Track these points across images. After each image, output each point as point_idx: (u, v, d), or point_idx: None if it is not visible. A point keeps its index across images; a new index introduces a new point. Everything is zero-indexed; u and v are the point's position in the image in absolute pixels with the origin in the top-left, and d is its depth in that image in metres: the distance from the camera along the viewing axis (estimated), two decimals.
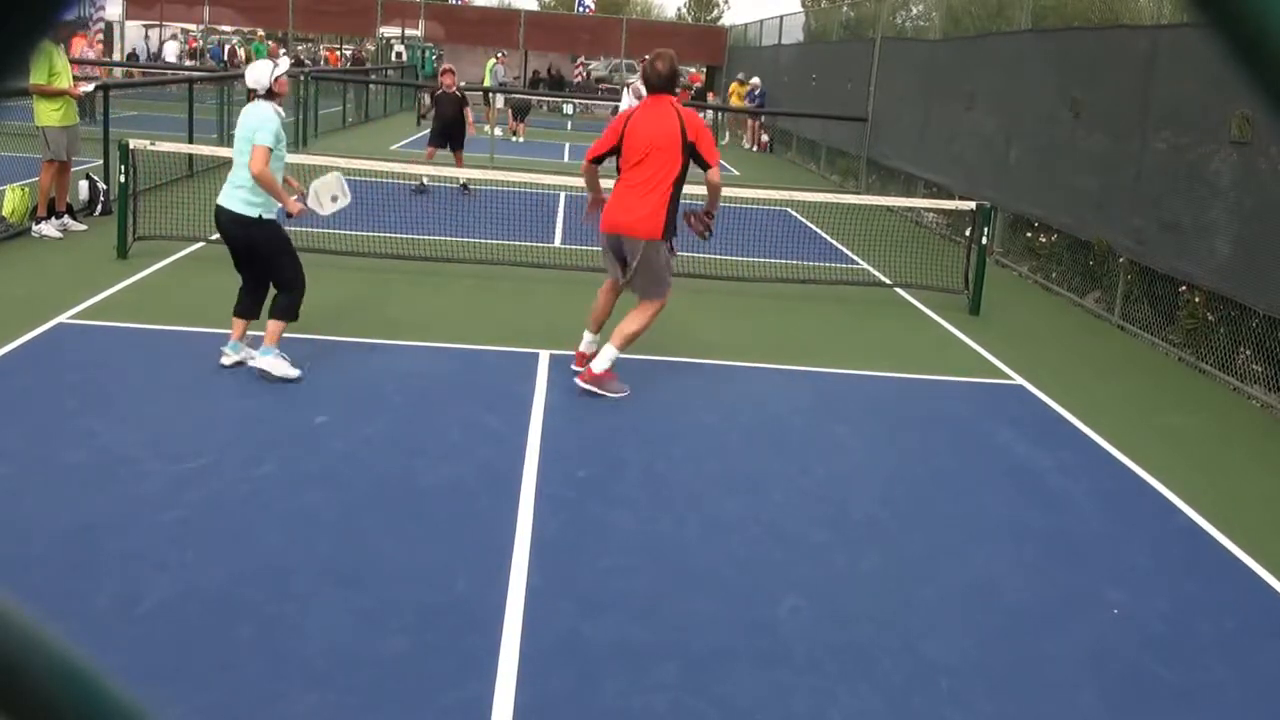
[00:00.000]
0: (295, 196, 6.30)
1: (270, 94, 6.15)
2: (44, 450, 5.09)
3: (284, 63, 6.36)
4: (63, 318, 7.19)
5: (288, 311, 6.17)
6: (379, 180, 13.05)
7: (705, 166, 6.42)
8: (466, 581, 4.16)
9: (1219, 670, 4.01)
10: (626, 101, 13.33)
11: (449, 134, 13.98)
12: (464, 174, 12.17)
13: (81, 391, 5.92)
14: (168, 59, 33.51)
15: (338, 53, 44.96)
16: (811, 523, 4.99)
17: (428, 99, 14.56)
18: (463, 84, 15.42)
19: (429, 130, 14.50)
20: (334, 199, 6.57)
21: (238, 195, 6.03)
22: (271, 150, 5.97)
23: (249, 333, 6.40)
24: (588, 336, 6.79)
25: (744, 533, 4.82)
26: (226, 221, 6.11)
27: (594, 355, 6.53)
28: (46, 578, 3.96)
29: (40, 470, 4.87)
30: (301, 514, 4.63)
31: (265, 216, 6.06)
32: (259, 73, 6.19)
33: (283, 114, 6.22)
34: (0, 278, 8.26)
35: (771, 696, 3.58)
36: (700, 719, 3.46)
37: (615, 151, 6.41)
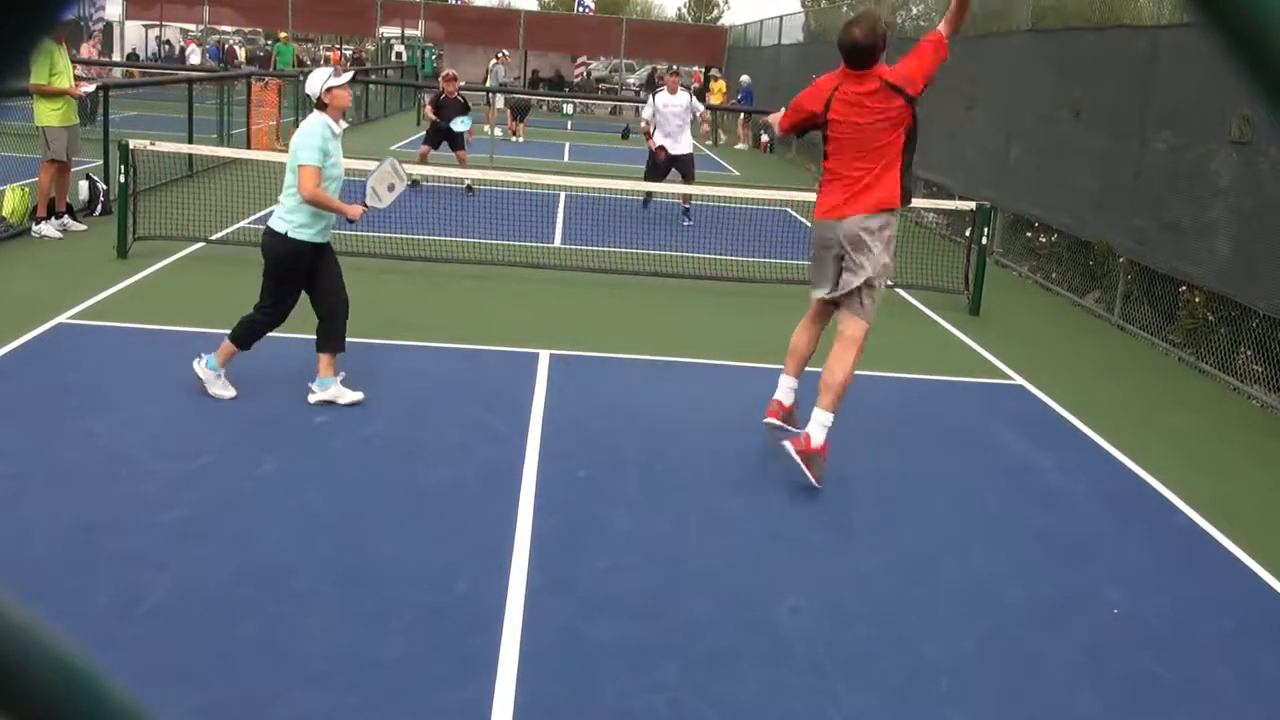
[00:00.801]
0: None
1: (321, 105, 5.79)
2: (44, 450, 5.09)
3: (345, 75, 6.00)
4: (63, 318, 7.19)
5: (249, 337, 5.88)
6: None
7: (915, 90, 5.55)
8: (466, 581, 4.16)
9: (1219, 670, 4.01)
10: (650, 110, 13.02)
11: (447, 135, 13.78)
12: (467, 174, 12.16)
13: (81, 391, 5.92)
14: (193, 62, 33.45)
15: (339, 53, 44.94)
16: (811, 523, 4.99)
17: (430, 109, 14.06)
18: (463, 84, 15.40)
19: (428, 128, 14.37)
20: (391, 188, 6.21)
21: (278, 210, 5.80)
22: (320, 169, 5.66)
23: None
24: (787, 382, 5.72)
25: (744, 533, 4.82)
26: (265, 243, 5.82)
27: (794, 407, 5.66)
28: (46, 578, 3.96)
29: (40, 470, 4.87)
30: (302, 514, 4.63)
31: (292, 236, 5.71)
32: (313, 80, 5.86)
33: (336, 128, 5.85)
34: (0, 278, 8.26)
35: (771, 696, 3.58)
36: (700, 719, 3.46)
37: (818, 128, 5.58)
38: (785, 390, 5.73)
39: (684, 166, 12.81)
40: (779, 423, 5.65)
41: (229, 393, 5.86)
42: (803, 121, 5.76)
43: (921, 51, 5.60)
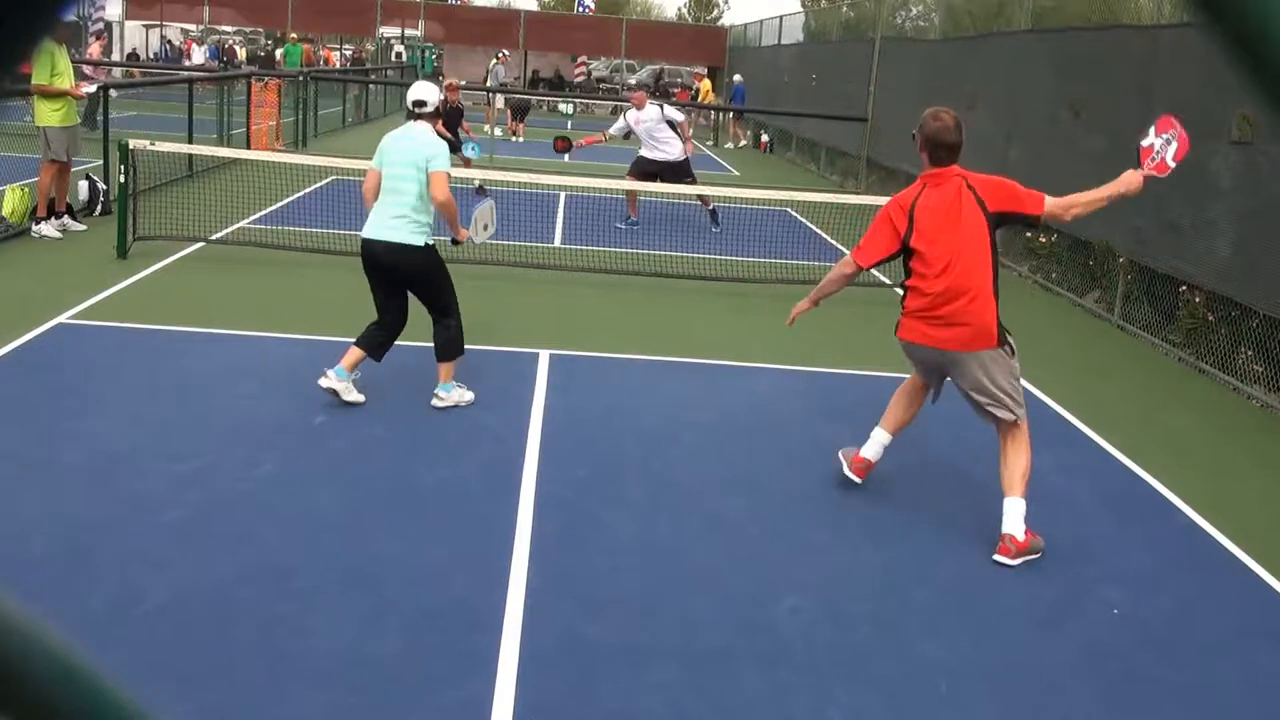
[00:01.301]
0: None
1: (436, 114, 5.91)
2: (44, 450, 5.09)
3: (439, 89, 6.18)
4: (63, 318, 7.19)
5: (454, 346, 5.97)
6: None
7: (1032, 221, 5.09)
8: (466, 581, 4.16)
9: (1219, 670, 4.01)
10: (621, 124, 12.47)
11: (450, 147, 13.55)
12: (475, 175, 12.00)
13: (81, 391, 5.92)
14: (198, 61, 33.42)
15: (334, 53, 44.94)
16: (811, 523, 4.99)
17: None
18: (463, 83, 15.38)
19: None
20: (485, 228, 6.43)
21: (401, 225, 5.67)
22: (449, 175, 5.78)
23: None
24: (881, 437, 5.28)
25: (744, 533, 4.82)
26: (386, 254, 5.70)
27: (876, 463, 5.27)
28: (46, 578, 3.96)
29: (40, 470, 4.87)
30: (301, 514, 4.63)
31: (429, 243, 5.76)
32: (428, 91, 5.90)
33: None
34: (0, 278, 8.26)
35: (771, 696, 3.58)
36: (700, 719, 3.46)
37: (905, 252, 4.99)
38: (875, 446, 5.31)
39: (672, 174, 12.14)
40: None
41: (471, 394, 6.11)
42: None
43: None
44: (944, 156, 4.87)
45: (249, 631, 3.72)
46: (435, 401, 5.94)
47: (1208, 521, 5.32)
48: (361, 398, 5.88)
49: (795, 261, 10.76)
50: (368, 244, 5.76)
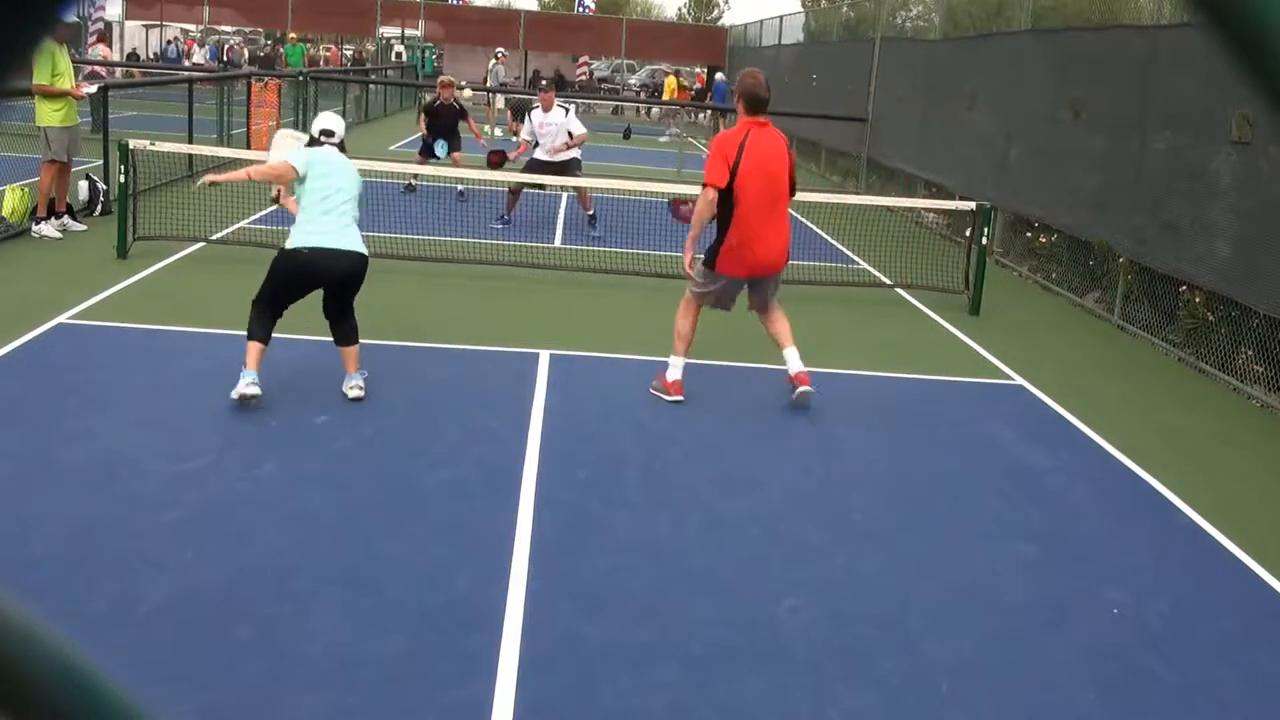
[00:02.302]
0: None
1: (341, 147, 6.39)
2: (44, 450, 5.09)
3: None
4: (63, 318, 7.19)
5: (356, 331, 6.13)
6: (378, 180, 13.05)
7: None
8: (466, 581, 4.16)
9: (1219, 670, 4.01)
10: (529, 129, 11.94)
11: (452, 135, 13.08)
12: (462, 174, 11.92)
13: (81, 391, 5.92)
14: (198, 60, 33.41)
15: (337, 52, 44.93)
16: (811, 523, 4.99)
17: (423, 122, 13.24)
18: (463, 83, 15.34)
19: (423, 139, 13.36)
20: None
21: (354, 235, 5.97)
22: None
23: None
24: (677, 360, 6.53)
25: (744, 533, 4.82)
26: (349, 263, 5.91)
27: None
28: (46, 578, 3.96)
29: (40, 470, 4.87)
30: (301, 514, 4.63)
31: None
32: (339, 123, 6.50)
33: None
34: (0, 278, 8.26)
35: (771, 696, 3.58)
36: (700, 719, 3.46)
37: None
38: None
39: (568, 171, 11.85)
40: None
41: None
42: None
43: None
44: (759, 108, 6.12)
45: (249, 632, 3.71)
46: (356, 392, 5.95)
47: (1208, 521, 5.31)
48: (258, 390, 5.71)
49: (795, 262, 10.74)
50: (324, 253, 5.81)
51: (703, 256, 6.39)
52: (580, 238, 11.62)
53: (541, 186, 12.27)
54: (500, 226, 11.80)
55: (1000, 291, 10.19)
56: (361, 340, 6.10)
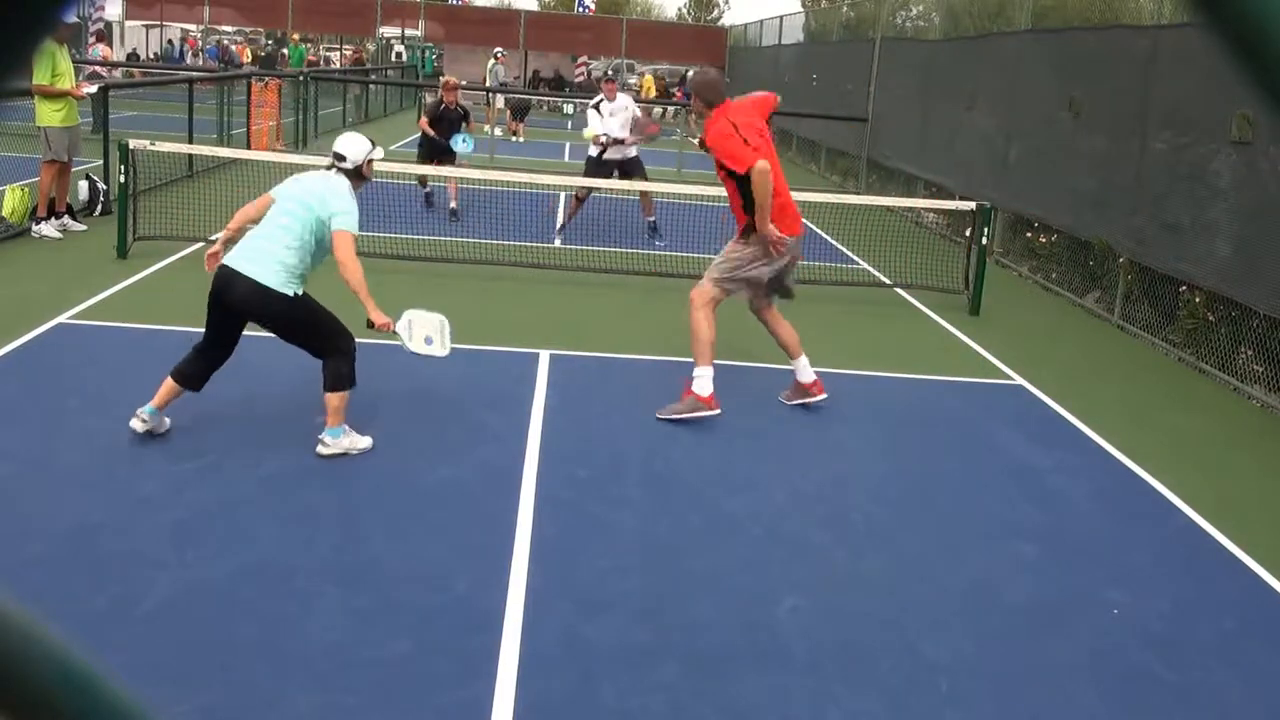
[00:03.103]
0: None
1: (358, 175, 5.36)
2: (44, 450, 5.09)
3: (379, 151, 5.50)
4: (63, 318, 7.20)
5: (343, 378, 5.20)
6: (378, 180, 13.04)
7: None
8: (466, 581, 4.16)
9: (1219, 670, 4.01)
10: (597, 123, 11.61)
11: (442, 153, 12.15)
12: (465, 174, 11.86)
13: (81, 391, 5.92)
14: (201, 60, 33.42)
15: (335, 52, 44.96)
16: (811, 523, 4.99)
17: (425, 122, 12.51)
18: (463, 83, 15.34)
19: (421, 141, 12.67)
20: (428, 341, 5.57)
21: (266, 261, 5.05)
22: (355, 238, 5.16)
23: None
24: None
25: (744, 533, 4.82)
26: (246, 291, 5.01)
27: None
28: (46, 578, 3.96)
29: (40, 470, 4.87)
30: (302, 514, 4.63)
31: (299, 293, 5.14)
32: (355, 146, 5.37)
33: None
34: (0, 278, 8.27)
35: (771, 697, 3.58)
36: (700, 719, 3.46)
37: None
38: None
39: (633, 172, 11.70)
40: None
41: (368, 439, 5.36)
42: None
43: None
44: (718, 99, 6.34)
45: (249, 631, 3.72)
46: (320, 449, 5.20)
47: (1208, 521, 5.32)
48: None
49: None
50: (228, 274, 5.05)
51: (745, 239, 6.37)
52: (581, 238, 11.62)
53: (598, 190, 11.97)
54: (560, 238, 11.63)
55: (1000, 292, 10.19)
56: (363, 339, 6.08)
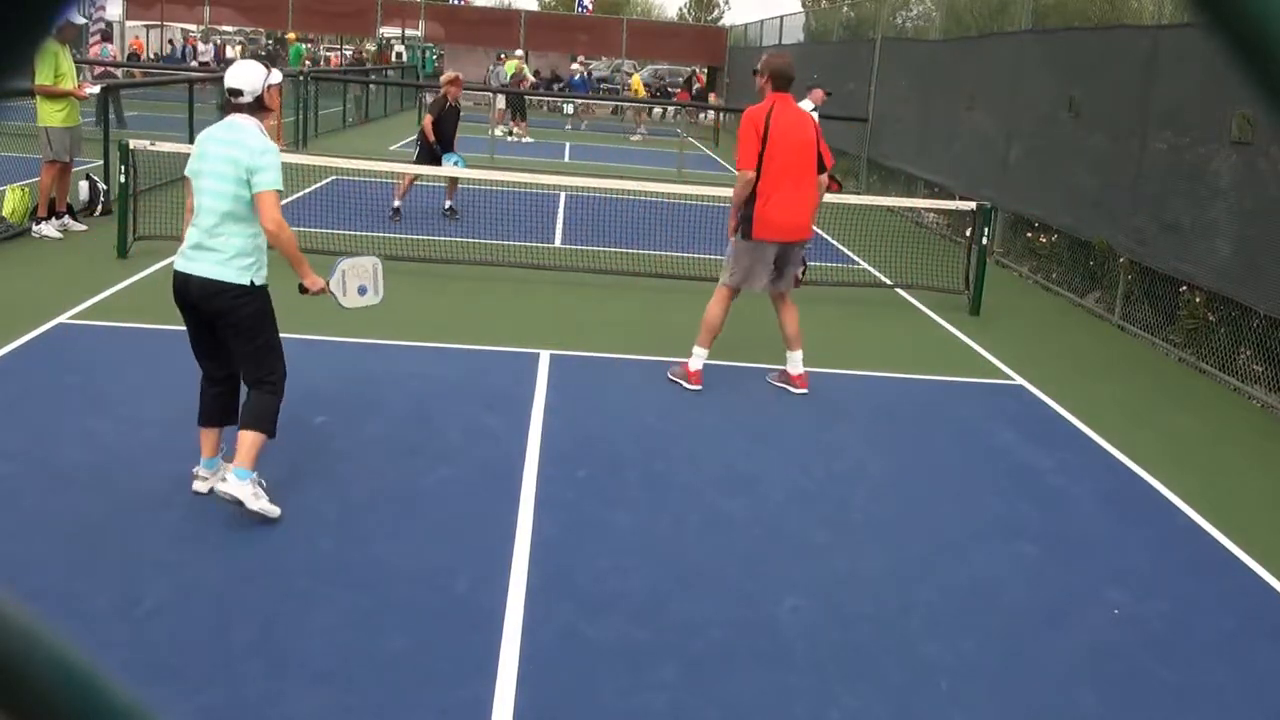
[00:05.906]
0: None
1: (261, 106, 4.54)
2: (44, 450, 5.09)
3: (277, 75, 4.67)
4: (63, 318, 7.19)
5: (266, 416, 4.51)
6: (378, 180, 13.06)
7: (823, 168, 6.74)
8: (466, 581, 4.16)
9: (1219, 670, 4.01)
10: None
11: (439, 158, 11.64)
12: (467, 174, 11.85)
13: (81, 391, 5.92)
14: (204, 60, 33.35)
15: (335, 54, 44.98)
16: (811, 523, 4.99)
17: (429, 125, 11.88)
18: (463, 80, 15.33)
19: (420, 145, 12.28)
20: (362, 291, 5.08)
21: (210, 255, 4.39)
22: (280, 194, 4.40)
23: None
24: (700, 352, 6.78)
25: (744, 533, 4.82)
26: (201, 292, 4.39)
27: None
28: (46, 578, 3.96)
29: (40, 470, 4.87)
30: (302, 514, 4.62)
31: (257, 283, 4.48)
32: (251, 75, 4.52)
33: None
34: (0, 277, 8.27)
35: (771, 697, 3.58)
36: (700, 719, 3.46)
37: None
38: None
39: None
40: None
41: (276, 509, 4.49)
42: None
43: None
44: (785, 85, 6.56)
45: (249, 631, 3.72)
46: (220, 486, 4.41)
47: (1208, 521, 5.32)
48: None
49: None
50: (182, 279, 4.44)
51: (739, 231, 6.62)
52: (581, 238, 11.62)
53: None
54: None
55: (1000, 292, 10.19)
56: (363, 339, 6.05)
